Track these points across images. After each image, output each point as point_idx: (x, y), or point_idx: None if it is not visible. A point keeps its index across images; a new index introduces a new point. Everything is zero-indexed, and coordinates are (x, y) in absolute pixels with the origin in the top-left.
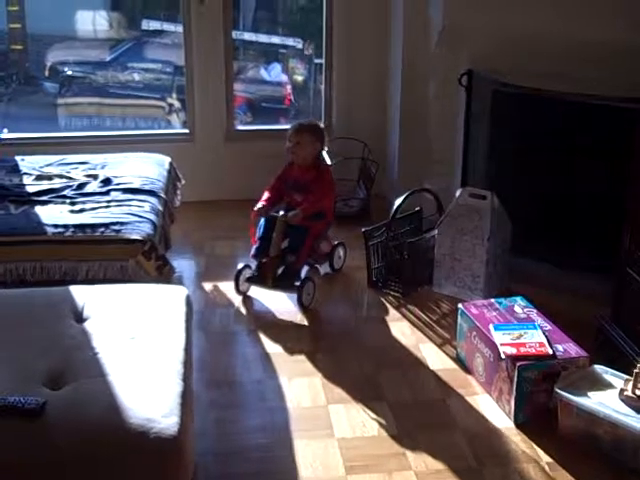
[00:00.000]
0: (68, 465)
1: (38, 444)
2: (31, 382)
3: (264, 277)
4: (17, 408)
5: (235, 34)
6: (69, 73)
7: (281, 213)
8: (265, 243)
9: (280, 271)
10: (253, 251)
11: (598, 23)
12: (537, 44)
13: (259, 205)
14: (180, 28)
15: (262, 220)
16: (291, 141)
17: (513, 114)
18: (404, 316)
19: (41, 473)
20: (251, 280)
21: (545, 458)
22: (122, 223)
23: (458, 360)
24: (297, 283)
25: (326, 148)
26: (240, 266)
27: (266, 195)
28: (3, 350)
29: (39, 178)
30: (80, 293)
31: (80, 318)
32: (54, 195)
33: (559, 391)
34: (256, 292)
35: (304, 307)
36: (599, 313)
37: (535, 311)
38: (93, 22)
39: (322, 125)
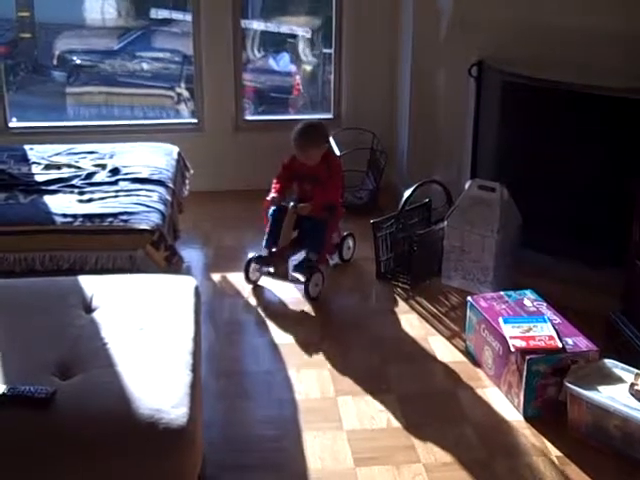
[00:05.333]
0: (77, 454)
1: (47, 433)
2: (41, 372)
3: (274, 267)
4: (27, 397)
5: (244, 23)
6: (77, 62)
7: (291, 204)
8: (276, 233)
9: (296, 263)
10: (265, 241)
11: (610, 13)
12: (548, 34)
13: (272, 195)
14: (189, 17)
15: (272, 210)
16: (299, 154)
17: (523, 105)
18: (413, 308)
19: (50, 462)
20: (261, 270)
21: (554, 452)
22: (130, 213)
23: (467, 353)
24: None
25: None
26: (251, 255)
27: (277, 185)
28: (13, 340)
29: (48, 167)
30: (89, 283)
31: (89, 308)
32: (63, 184)
33: (569, 385)
34: (266, 282)
35: (311, 298)
36: (611, 307)
37: (545, 304)
38: (102, 10)
39: (323, 122)
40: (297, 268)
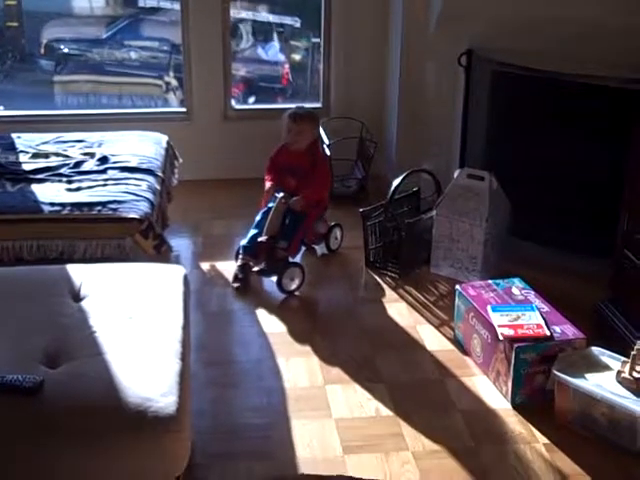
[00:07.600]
0: (65, 444)
1: (35, 422)
2: (29, 361)
3: (257, 256)
4: (15, 386)
5: (233, 12)
6: (65, 50)
7: (281, 194)
8: (264, 223)
9: (262, 267)
10: (251, 231)
11: (596, 4)
12: (536, 24)
13: (267, 185)
14: (177, 5)
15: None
16: (291, 130)
17: (512, 94)
18: (401, 297)
19: (38, 451)
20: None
21: (542, 439)
22: (119, 202)
23: (455, 341)
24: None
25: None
26: (243, 242)
27: (269, 176)
28: (0, 328)
29: (35, 156)
30: (77, 272)
31: (77, 297)
32: (51, 173)
33: (556, 373)
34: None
35: (285, 292)
36: (598, 296)
37: (533, 293)
38: None
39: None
40: (264, 272)
